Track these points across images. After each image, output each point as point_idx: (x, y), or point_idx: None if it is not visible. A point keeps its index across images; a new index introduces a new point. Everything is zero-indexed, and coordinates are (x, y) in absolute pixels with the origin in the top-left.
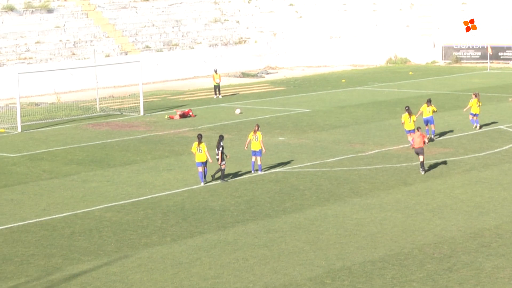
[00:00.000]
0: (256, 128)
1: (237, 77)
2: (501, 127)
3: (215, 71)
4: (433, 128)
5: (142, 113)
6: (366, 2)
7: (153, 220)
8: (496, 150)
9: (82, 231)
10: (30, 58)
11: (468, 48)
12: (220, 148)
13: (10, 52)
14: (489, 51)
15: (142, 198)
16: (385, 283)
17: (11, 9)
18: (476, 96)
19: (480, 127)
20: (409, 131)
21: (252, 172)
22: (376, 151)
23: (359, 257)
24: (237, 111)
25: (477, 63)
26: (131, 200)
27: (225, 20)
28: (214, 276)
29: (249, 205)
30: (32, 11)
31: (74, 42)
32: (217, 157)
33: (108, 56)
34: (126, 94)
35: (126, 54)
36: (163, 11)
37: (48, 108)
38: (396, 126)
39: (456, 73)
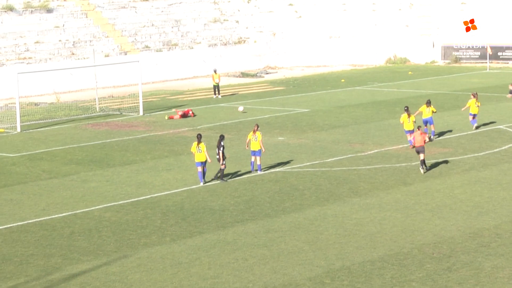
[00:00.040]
0: (256, 128)
1: (237, 77)
2: (500, 127)
3: (215, 71)
4: (432, 129)
5: (141, 113)
6: (365, 2)
7: (152, 220)
8: (495, 150)
9: (81, 231)
10: (29, 58)
11: (468, 48)
12: (221, 148)
13: (9, 52)
14: (489, 51)
15: (141, 198)
16: (385, 283)
17: (11, 9)
18: (474, 96)
19: (477, 127)
20: (408, 131)
21: (252, 171)
22: (376, 151)
23: (358, 257)
24: (240, 109)
25: (477, 63)
26: (130, 200)
27: (224, 20)
28: (214, 276)
29: (248, 205)
30: (32, 11)
31: (74, 42)
32: (217, 156)
33: (108, 56)
34: (125, 94)
35: (126, 54)
36: (162, 11)
37: (48, 108)
38: (395, 126)
39: (455, 73)
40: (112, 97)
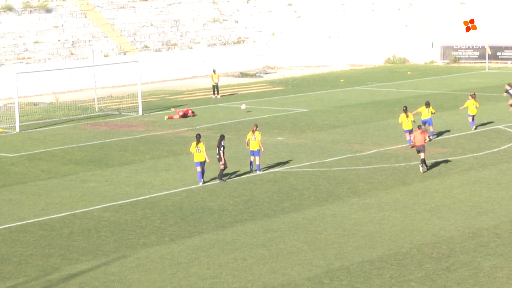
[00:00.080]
0: (255, 128)
1: (236, 77)
2: (499, 126)
3: (214, 71)
4: (431, 129)
5: (140, 113)
6: (364, 2)
7: (151, 220)
8: (494, 150)
9: (80, 231)
10: (28, 58)
11: (467, 48)
12: (221, 148)
13: (8, 52)
14: (488, 51)
15: (140, 198)
16: (384, 283)
17: (10, 9)
18: (473, 97)
19: (476, 127)
20: (407, 131)
21: (251, 170)
22: (375, 151)
23: (357, 257)
24: (243, 107)
25: (476, 63)
26: (129, 200)
27: (223, 20)
28: (213, 276)
29: (247, 205)
30: (31, 11)
31: (73, 42)
32: (217, 156)
33: (107, 56)
34: (124, 94)
35: (125, 54)
36: (161, 11)
37: (47, 108)
38: (394, 126)
39: (454, 73)
40: (111, 97)
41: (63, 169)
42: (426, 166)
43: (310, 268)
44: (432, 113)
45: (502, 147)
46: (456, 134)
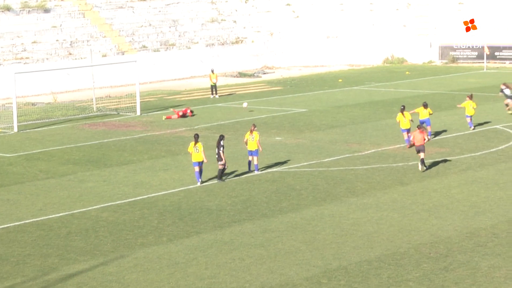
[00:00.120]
0: (253, 128)
1: (234, 77)
2: (497, 126)
3: (212, 71)
4: (429, 129)
5: (138, 113)
6: (363, 2)
7: (149, 220)
8: (492, 150)
9: (78, 231)
10: (26, 58)
11: (465, 48)
12: (221, 148)
13: (6, 52)
14: (486, 51)
15: (138, 198)
16: (381, 283)
17: (8, 9)
18: (470, 98)
19: (473, 128)
20: (405, 130)
21: (249, 170)
22: (373, 150)
23: (355, 257)
24: (245, 105)
25: (474, 63)
26: (127, 200)
27: (222, 20)
28: (211, 276)
29: (245, 205)
30: (29, 11)
31: (71, 42)
32: (216, 156)
33: (105, 56)
34: (122, 94)
35: (123, 54)
36: (160, 11)
37: (45, 108)
38: (392, 126)
39: (452, 73)
40: (110, 97)
41: (61, 169)
42: (425, 166)
43: (308, 268)
44: (429, 114)
45: (500, 147)
46: (454, 134)
